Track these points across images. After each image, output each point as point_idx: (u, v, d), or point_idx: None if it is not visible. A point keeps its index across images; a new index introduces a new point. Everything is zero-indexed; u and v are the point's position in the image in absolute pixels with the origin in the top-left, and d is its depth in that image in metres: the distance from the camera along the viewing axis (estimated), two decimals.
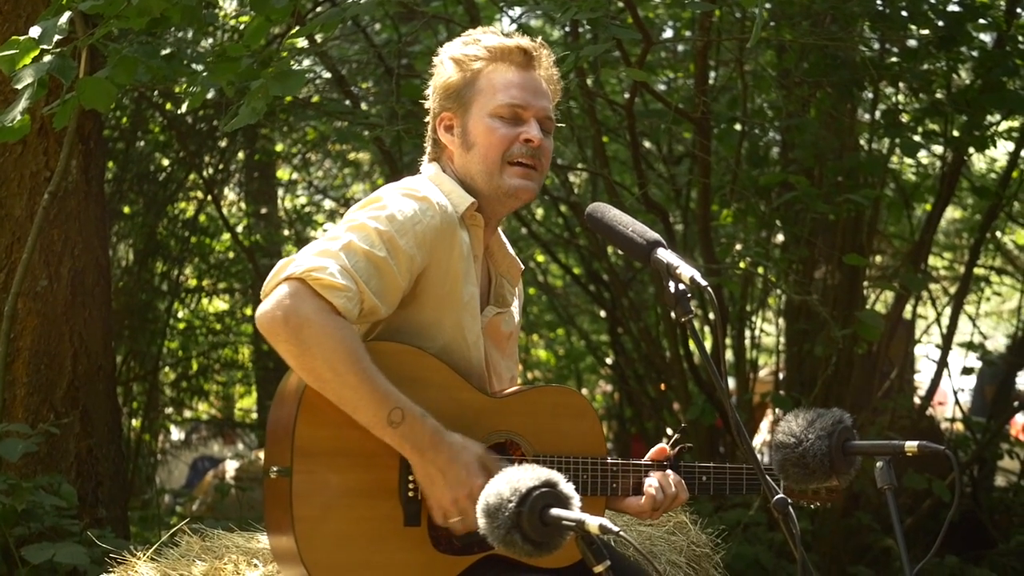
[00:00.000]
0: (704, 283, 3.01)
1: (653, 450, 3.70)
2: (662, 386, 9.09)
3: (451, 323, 3.46)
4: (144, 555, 4.07)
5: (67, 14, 4.53)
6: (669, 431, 3.71)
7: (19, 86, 4.56)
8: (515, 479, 2.75)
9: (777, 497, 2.95)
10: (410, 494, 3.35)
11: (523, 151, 3.56)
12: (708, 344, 9.10)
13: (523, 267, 3.83)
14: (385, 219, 3.34)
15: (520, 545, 2.73)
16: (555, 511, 2.71)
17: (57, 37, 4.49)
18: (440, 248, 3.41)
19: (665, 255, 3.14)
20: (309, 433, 3.29)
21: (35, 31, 4.51)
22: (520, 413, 3.53)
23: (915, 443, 3.14)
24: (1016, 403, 9.25)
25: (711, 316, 8.42)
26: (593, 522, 2.65)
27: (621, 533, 2.64)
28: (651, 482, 3.61)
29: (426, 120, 3.72)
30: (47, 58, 4.54)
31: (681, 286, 3.07)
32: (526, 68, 3.62)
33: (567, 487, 2.75)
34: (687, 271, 3.06)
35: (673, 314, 3.09)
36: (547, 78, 3.67)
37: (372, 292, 3.27)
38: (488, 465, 3.33)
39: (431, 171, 3.64)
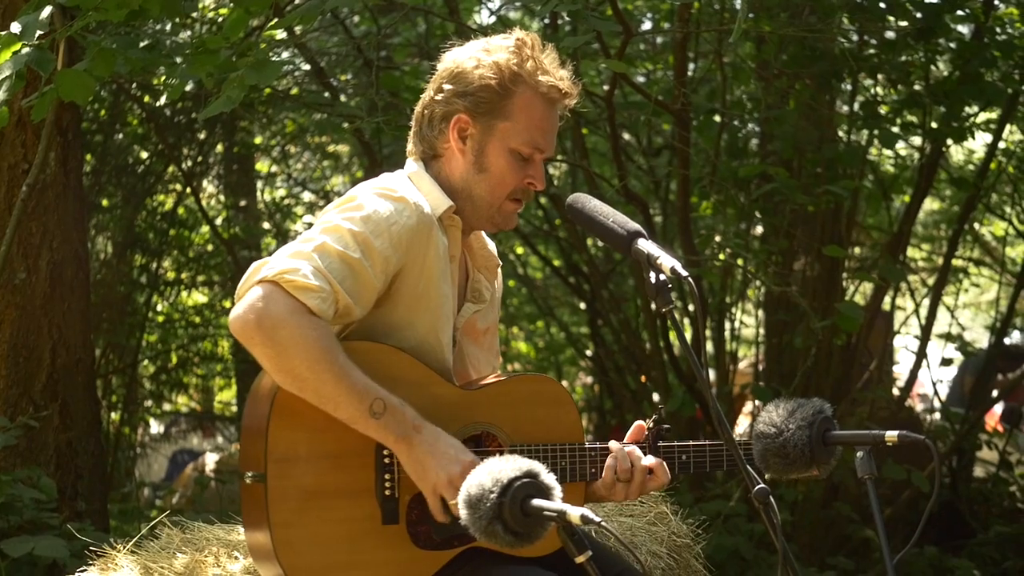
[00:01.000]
0: (685, 273, 3.00)
1: (631, 431, 3.68)
2: (642, 378, 9.10)
3: (424, 324, 3.44)
4: (124, 548, 4.06)
5: (48, 8, 4.51)
6: (648, 422, 3.67)
7: None
8: (496, 470, 2.75)
9: (758, 487, 2.96)
10: (387, 492, 3.34)
11: (523, 192, 3.56)
12: (688, 335, 9.12)
13: (500, 262, 3.81)
14: (360, 220, 3.30)
15: (502, 536, 2.73)
16: (536, 502, 2.71)
17: (39, 32, 4.47)
18: (416, 249, 3.38)
19: (646, 245, 3.14)
20: (282, 437, 3.27)
21: (16, 27, 4.50)
22: (495, 404, 3.51)
23: (895, 433, 3.15)
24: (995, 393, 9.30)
25: (691, 307, 8.42)
26: (575, 512, 2.65)
27: (602, 524, 2.63)
28: (608, 460, 3.57)
29: (410, 110, 3.67)
30: (25, 50, 4.53)
31: (662, 277, 3.06)
32: (554, 106, 3.57)
33: (548, 477, 2.75)
34: (668, 261, 3.05)
35: (654, 305, 3.09)
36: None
37: (346, 292, 3.24)
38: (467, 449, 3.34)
39: (413, 169, 3.59)
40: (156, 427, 13.08)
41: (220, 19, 5.90)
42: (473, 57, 3.53)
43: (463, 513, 2.76)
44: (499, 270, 3.82)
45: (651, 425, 3.65)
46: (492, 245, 3.79)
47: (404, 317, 3.42)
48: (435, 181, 3.54)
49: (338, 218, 3.32)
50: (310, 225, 3.47)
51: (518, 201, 3.57)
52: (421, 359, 3.44)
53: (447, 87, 3.53)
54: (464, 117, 3.51)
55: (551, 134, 3.56)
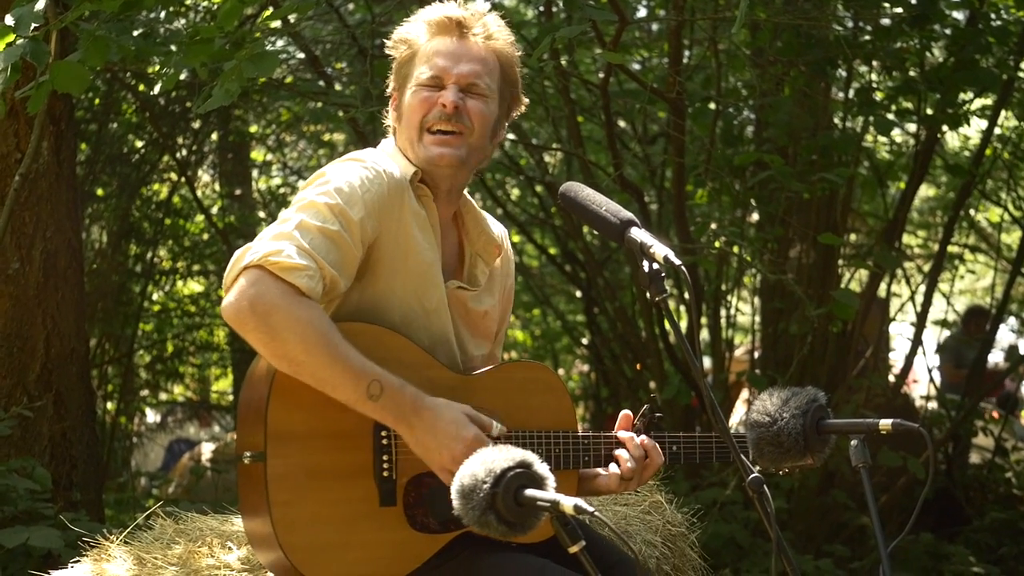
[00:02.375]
0: (678, 262, 2.99)
1: (620, 418, 3.68)
2: (638, 366, 9.10)
3: (405, 290, 3.44)
4: (118, 539, 4.05)
5: (42, 1, 4.49)
6: (642, 411, 3.68)
7: None
8: (489, 460, 2.75)
9: (752, 476, 2.95)
10: (384, 474, 3.34)
11: (439, 116, 3.52)
12: (683, 323, 9.12)
13: (502, 245, 3.80)
14: (333, 192, 3.32)
15: (495, 526, 2.73)
16: (530, 492, 2.71)
17: (34, 25, 4.46)
18: (390, 213, 3.40)
19: (639, 234, 3.12)
20: (282, 417, 3.27)
21: (10, 19, 4.48)
22: (490, 390, 3.51)
23: (889, 421, 3.13)
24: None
25: (686, 295, 8.42)
26: (568, 502, 2.65)
27: (596, 513, 2.63)
28: (621, 453, 3.59)
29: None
30: (19, 41, 4.51)
31: (655, 265, 3.06)
32: (460, 38, 3.58)
33: (541, 467, 2.75)
34: (661, 250, 3.04)
35: (647, 294, 3.08)
36: (488, 46, 3.60)
37: (331, 266, 3.25)
38: (474, 417, 3.34)
39: (384, 144, 3.65)
40: (152, 416, 13.10)
41: (215, 7, 5.88)
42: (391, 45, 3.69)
43: (456, 503, 2.76)
44: (511, 260, 3.83)
45: (644, 413, 3.65)
46: (497, 228, 3.79)
47: (387, 285, 3.43)
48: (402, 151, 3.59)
49: (312, 194, 3.33)
50: None
51: (441, 133, 3.53)
52: (410, 332, 3.44)
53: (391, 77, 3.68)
54: (394, 94, 3.64)
55: (451, 57, 3.56)
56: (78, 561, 4.02)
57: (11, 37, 4.48)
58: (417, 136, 3.54)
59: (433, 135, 3.53)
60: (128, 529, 4.14)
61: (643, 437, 3.61)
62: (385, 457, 3.34)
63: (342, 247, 3.29)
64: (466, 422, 3.31)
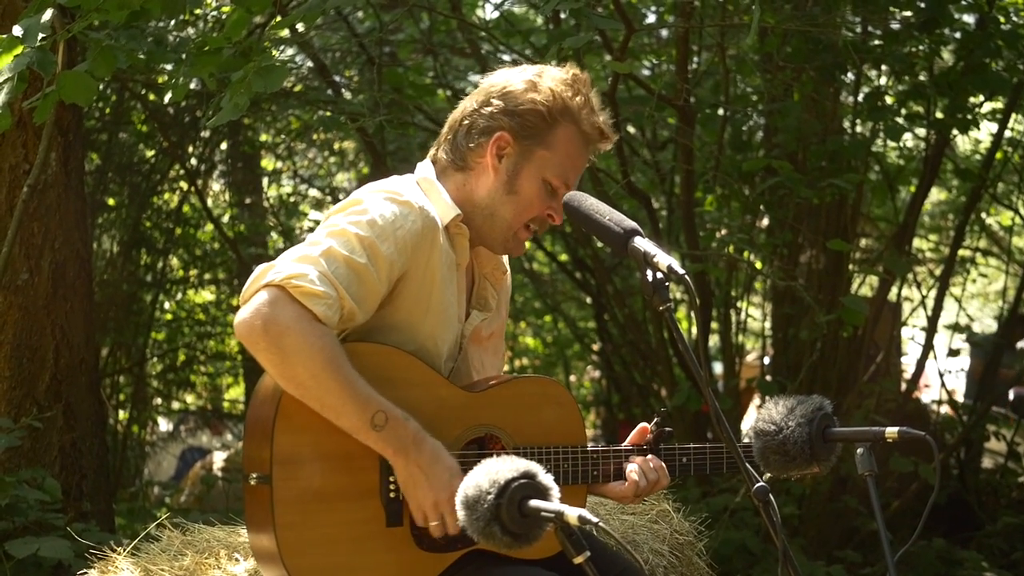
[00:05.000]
0: (681, 272, 2.98)
1: (634, 432, 3.69)
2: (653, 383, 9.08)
3: (424, 330, 3.44)
4: (124, 551, 4.05)
5: (50, 11, 4.50)
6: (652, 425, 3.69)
7: None
8: (494, 471, 2.74)
9: (757, 485, 2.94)
10: (391, 495, 3.34)
11: (540, 222, 3.58)
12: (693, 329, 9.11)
13: (507, 268, 3.81)
14: (366, 224, 3.29)
15: (499, 537, 2.72)
16: (534, 502, 2.70)
17: (41, 36, 4.46)
18: (420, 253, 3.37)
19: (642, 243, 3.11)
20: (288, 440, 3.27)
21: (18, 30, 4.49)
22: (498, 406, 3.51)
23: (895, 429, 3.12)
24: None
25: (697, 301, 8.39)
26: (572, 513, 2.64)
27: (601, 524, 2.62)
28: (632, 467, 3.59)
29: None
30: (26, 51, 4.52)
31: (659, 275, 3.05)
32: (590, 147, 3.60)
33: (546, 478, 2.74)
34: (664, 260, 3.03)
35: (651, 303, 3.07)
36: None
37: (351, 298, 3.24)
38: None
39: (424, 174, 3.57)
40: (165, 425, 13.10)
41: (223, 16, 5.90)
42: (528, 80, 3.54)
43: (461, 514, 2.75)
44: (509, 276, 3.83)
45: (654, 428, 3.65)
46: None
47: (405, 320, 3.42)
48: (446, 191, 3.52)
49: (344, 222, 3.31)
50: (317, 223, 3.46)
51: (530, 230, 3.58)
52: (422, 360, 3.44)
53: (495, 102, 3.52)
54: (506, 136, 3.51)
55: (580, 172, 3.59)
56: (85, 573, 4.02)
57: (20, 49, 4.48)
58: (519, 226, 3.55)
59: (526, 230, 3.58)
60: (135, 542, 4.14)
61: (651, 457, 3.61)
62: (392, 478, 3.34)
63: (366, 281, 3.28)
64: (460, 474, 3.27)
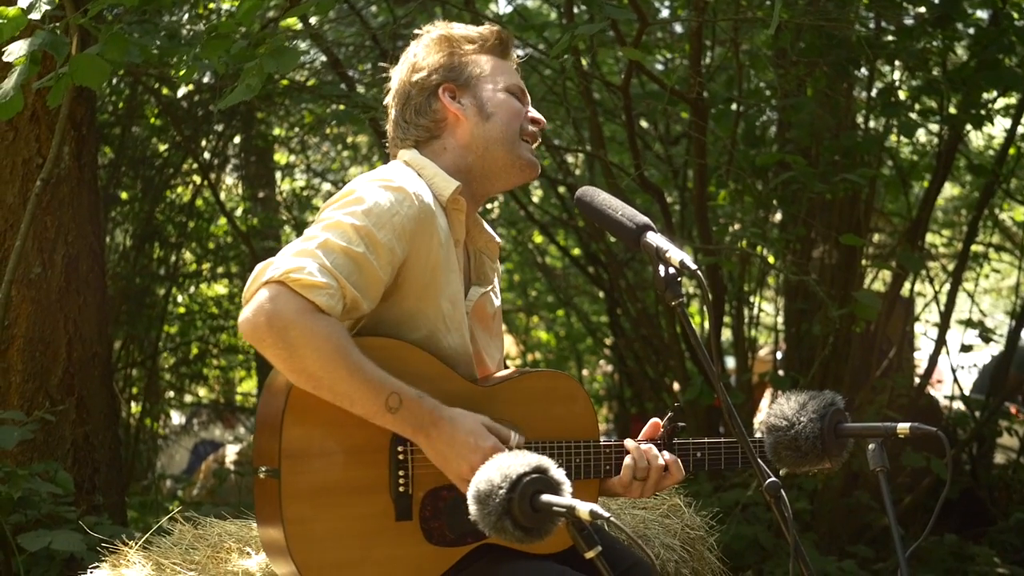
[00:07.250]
0: (693, 267, 2.98)
1: (647, 427, 3.69)
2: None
3: (434, 312, 3.43)
4: (136, 544, 4.06)
5: None
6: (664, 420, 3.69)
7: (9, 59, 4.54)
8: (505, 465, 2.74)
9: (769, 480, 2.94)
10: (400, 489, 3.33)
11: (529, 128, 3.63)
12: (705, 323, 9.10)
13: (500, 242, 3.81)
14: (361, 213, 3.29)
15: (511, 531, 2.72)
16: (545, 497, 2.70)
17: (46, 7, 4.46)
18: (420, 238, 3.38)
19: (654, 239, 3.11)
20: (296, 434, 3.27)
21: (23, 1, 4.50)
22: (510, 401, 3.50)
23: (907, 425, 3.11)
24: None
25: (709, 296, 8.39)
26: (584, 508, 2.64)
27: (612, 519, 2.62)
28: (626, 460, 3.58)
29: (386, 104, 3.71)
30: (39, 33, 4.53)
31: (671, 270, 3.05)
32: (506, 57, 3.70)
33: (557, 473, 2.74)
34: (676, 255, 3.04)
35: (664, 298, 3.07)
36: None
37: (353, 287, 3.24)
38: (493, 428, 3.34)
39: (408, 156, 3.60)
40: (178, 419, 13.12)
41: (235, 7, 5.91)
42: (415, 52, 3.68)
43: (472, 508, 2.75)
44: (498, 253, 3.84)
45: (667, 423, 3.65)
46: (489, 228, 3.80)
47: (414, 306, 3.42)
48: (435, 162, 3.57)
49: (339, 214, 3.31)
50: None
51: (529, 134, 3.64)
52: (434, 348, 3.43)
53: (416, 76, 3.63)
54: (448, 84, 3.61)
55: (517, 78, 3.71)
56: (97, 566, 4.02)
57: (24, 23, 4.49)
58: (517, 137, 3.61)
59: (525, 141, 3.63)
60: (147, 535, 4.15)
61: (665, 454, 3.60)
62: (401, 472, 3.33)
63: (367, 270, 3.27)
64: (484, 432, 3.30)
